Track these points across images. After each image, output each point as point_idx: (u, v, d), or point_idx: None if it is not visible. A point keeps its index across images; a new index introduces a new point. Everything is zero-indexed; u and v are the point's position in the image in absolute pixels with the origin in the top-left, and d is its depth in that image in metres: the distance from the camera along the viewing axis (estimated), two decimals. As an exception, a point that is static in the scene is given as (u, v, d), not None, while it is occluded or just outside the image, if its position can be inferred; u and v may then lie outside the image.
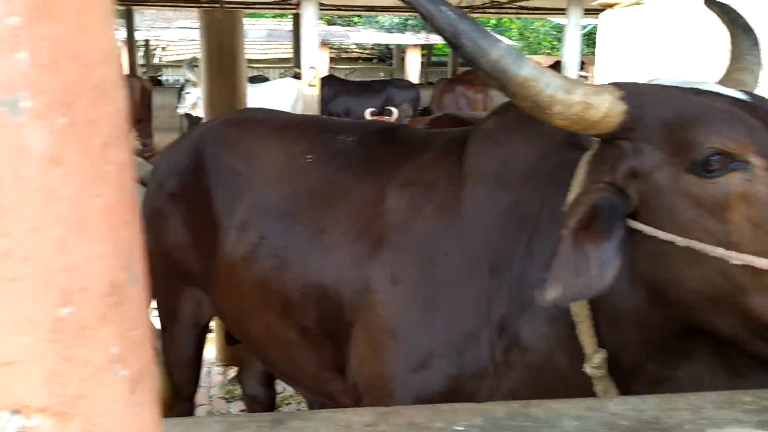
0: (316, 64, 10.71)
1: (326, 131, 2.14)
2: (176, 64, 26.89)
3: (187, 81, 12.56)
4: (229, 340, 2.68)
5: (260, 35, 23.38)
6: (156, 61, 27.26)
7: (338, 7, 13.57)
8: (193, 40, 24.96)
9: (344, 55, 28.44)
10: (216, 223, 2.11)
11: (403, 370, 1.55)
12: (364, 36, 23.47)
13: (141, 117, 11.00)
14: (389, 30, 24.67)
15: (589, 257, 1.15)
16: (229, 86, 3.76)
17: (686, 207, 1.14)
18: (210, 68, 3.73)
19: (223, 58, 3.69)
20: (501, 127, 1.63)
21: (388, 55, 28.66)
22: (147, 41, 23.58)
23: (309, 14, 10.54)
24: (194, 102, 10.23)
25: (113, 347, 0.43)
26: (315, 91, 10.73)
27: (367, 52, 29.63)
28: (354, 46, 28.89)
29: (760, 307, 1.10)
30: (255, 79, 11.60)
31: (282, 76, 23.11)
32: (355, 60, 29.06)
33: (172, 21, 28.24)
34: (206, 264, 2.19)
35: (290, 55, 27.93)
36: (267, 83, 11.23)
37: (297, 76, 14.36)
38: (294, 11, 16.58)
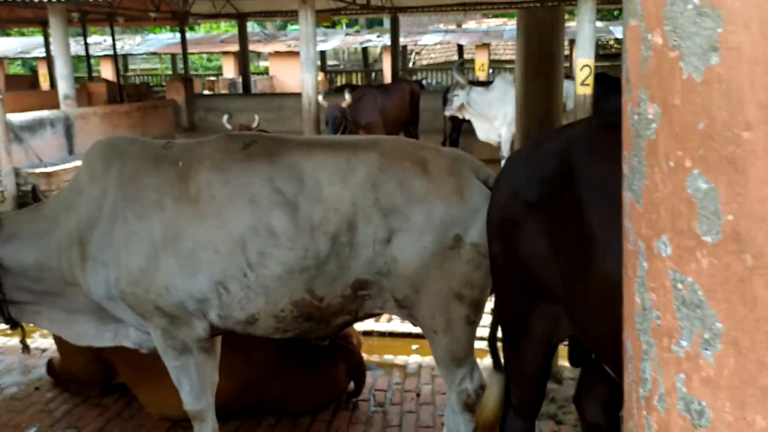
0: (591, 62, 10.10)
1: None
2: (428, 68, 27.84)
3: (455, 84, 12.71)
4: (575, 361, 2.42)
5: (512, 35, 22.95)
6: (410, 65, 28.31)
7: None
8: (448, 43, 25.59)
9: (601, 52, 26.98)
10: (590, 238, 1.88)
11: None
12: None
13: (410, 119, 11.36)
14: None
15: None
16: (546, 89, 3.48)
17: None
18: (526, 70, 3.50)
19: (541, 60, 3.42)
20: None
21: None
22: (405, 46, 24.64)
23: (586, 9, 9.95)
24: (461, 104, 10.24)
25: None
26: (588, 91, 10.13)
27: (625, 47, 27.67)
28: (613, 42, 27.20)
29: None
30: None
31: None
32: (615, 56, 27.36)
33: (426, 26, 29.33)
34: (572, 280, 1.99)
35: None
36: (533, 83, 10.82)
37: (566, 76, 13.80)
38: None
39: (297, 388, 3.52)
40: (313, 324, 2.69)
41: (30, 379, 4.24)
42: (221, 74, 25.38)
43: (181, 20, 17.79)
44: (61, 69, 11.20)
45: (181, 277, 2.59)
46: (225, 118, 11.49)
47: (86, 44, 15.96)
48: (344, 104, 9.99)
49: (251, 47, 25.91)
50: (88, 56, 16.75)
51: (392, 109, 10.90)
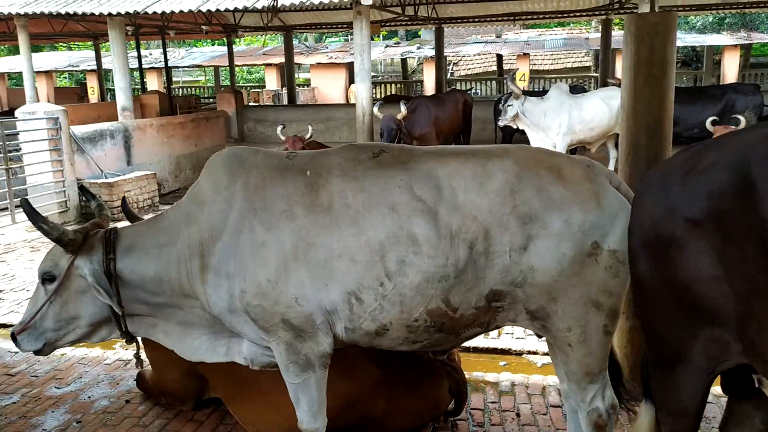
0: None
1: None
2: (466, 78, 27.71)
3: (509, 94, 12.58)
4: (729, 388, 2.28)
5: (556, 44, 22.76)
6: (448, 76, 28.23)
7: (673, 8, 12.51)
8: (488, 54, 25.44)
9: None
10: None
11: None
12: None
13: (462, 129, 11.26)
14: (701, 30, 22.30)
15: None
16: (657, 97, 3.34)
17: None
18: (635, 77, 3.38)
19: (652, 66, 3.29)
20: None
21: (693, 58, 26.05)
22: (444, 57, 24.58)
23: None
24: (515, 114, 10.10)
25: None
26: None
27: (678, 55, 27.23)
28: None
29: None
30: (573, 90, 11.11)
31: (574, 84, 22.38)
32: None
33: (464, 37, 29.27)
34: (749, 303, 1.86)
35: (587, 63, 26.94)
36: (591, 93, 10.68)
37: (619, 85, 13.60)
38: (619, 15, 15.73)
39: (400, 407, 3.43)
40: (443, 335, 2.63)
41: (119, 391, 4.22)
42: (264, 86, 25.60)
43: (228, 33, 17.99)
44: (119, 81, 11.37)
45: (312, 288, 2.54)
46: (279, 128, 11.56)
47: (140, 57, 16.22)
48: (399, 116, 9.95)
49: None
50: (141, 69, 17.02)
51: (445, 119, 10.83)
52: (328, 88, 24.07)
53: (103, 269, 2.79)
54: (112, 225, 3.07)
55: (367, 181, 2.59)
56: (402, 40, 27.91)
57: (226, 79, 31.19)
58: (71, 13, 10.90)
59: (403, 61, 27.62)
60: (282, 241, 2.56)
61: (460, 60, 28.93)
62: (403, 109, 9.93)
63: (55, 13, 10.93)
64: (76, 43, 27.93)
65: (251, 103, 19.76)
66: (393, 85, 27.62)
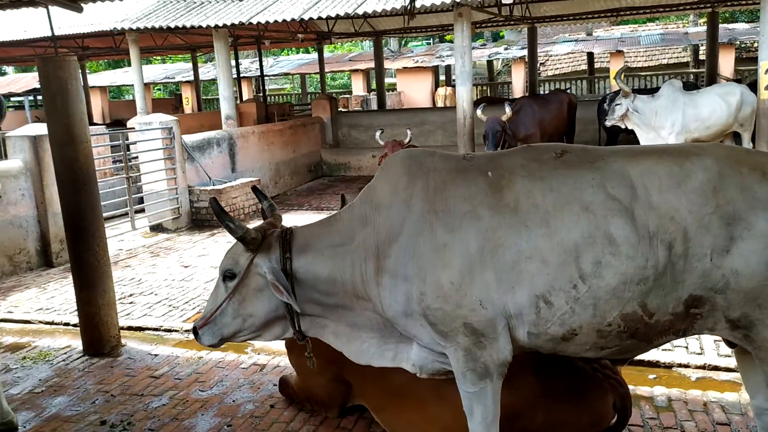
0: (778, 64, 9.27)
1: None
2: (555, 78, 27.04)
3: (615, 92, 12.14)
4: None
5: (653, 40, 21.86)
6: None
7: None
8: (581, 52, 24.76)
9: (745, 55, 25.14)
10: None
11: None
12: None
13: (567, 130, 10.94)
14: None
15: None
16: None
17: None
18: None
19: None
20: None
21: (802, 51, 24.39)
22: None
23: (771, 7, 9.14)
24: (624, 113, 9.69)
25: None
26: (774, 95, 9.29)
27: (774, 49, 25.67)
28: (756, 44, 25.27)
29: None
30: (685, 87, 10.56)
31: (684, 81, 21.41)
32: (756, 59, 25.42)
33: (551, 36, 28.61)
34: None
35: (684, 60, 25.75)
36: (706, 89, 10.13)
37: (739, 81, 12.87)
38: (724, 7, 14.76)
39: (560, 420, 3.27)
40: (635, 342, 2.48)
41: (262, 395, 4.26)
42: (350, 91, 25.86)
43: (319, 41, 18.26)
44: (224, 90, 11.70)
45: (498, 291, 2.45)
46: (378, 134, 11.55)
47: (237, 67, 16.68)
48: (504, 117, 9.75)
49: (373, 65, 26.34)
50: (239, 78, 17.50)
51: (551, 120, 10.54)
52: (414, 92, 24.06)
53: (280, 268, 2.80)
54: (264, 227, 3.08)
55: (555, 181, 2.48)
56: (487, 41, 27.56)
57: (311, 86, 31.80)
58: (180, 26, 11.30)
59: (489, 63, 27.29)
60: (466, 243, 2.48)
61: (548, 60, 28.28)
62: (508, 110, 9.73)
63: (165, 27, 11.37)
64: (169, 56, 29.13)
65: (341, 109, 19.97)
66: (479, 87, 27.37)
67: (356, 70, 25.20)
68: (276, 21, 11.02)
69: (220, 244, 8.85)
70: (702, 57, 25.32)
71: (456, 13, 10.35)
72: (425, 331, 2.66)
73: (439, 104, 22.14)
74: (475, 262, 2.47)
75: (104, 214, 5.34)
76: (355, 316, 2.88)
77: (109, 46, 17.00)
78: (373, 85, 28.93)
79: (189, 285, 6.94)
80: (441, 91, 22.82)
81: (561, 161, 2.55)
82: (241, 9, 11.62)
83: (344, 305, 2.86)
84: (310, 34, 16.14)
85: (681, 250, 2.32)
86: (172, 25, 11.32)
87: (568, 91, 20.50)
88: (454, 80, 29.55)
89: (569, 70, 28.68)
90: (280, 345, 5.20)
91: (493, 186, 2.54)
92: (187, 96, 24.45)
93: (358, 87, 25.41)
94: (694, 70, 24.44)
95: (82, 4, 5.33)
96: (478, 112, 10.05)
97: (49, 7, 4.97)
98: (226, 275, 2.90)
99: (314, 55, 29.56)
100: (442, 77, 26.82)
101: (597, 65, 26.13)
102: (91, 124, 16.83)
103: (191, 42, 17.98)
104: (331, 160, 14.42)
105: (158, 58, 31.07)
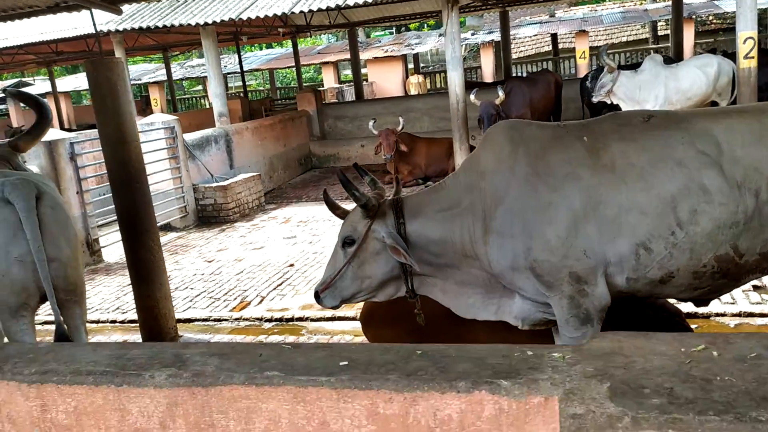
0: (754, 34, 9.81)
1: None
2: (521, 61, 27.59)
3: (596, 70, 12.60)
4: None
5: (614, 19, 22.51)
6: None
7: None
8: (542, 34, 25.32)
9: (701, 29, 26.08)
10: None
11: None
12: (733, 3, 21.02)
13: (554, 108, 11.35)
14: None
15: None
16: None
17: None
18: None
19: None
20: None
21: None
22: (498, 42, 24.55)
23: (748, -19, 9.63)
24: (609, 89, 10.10)
25: None
26: (753, 64, 9.84)
27: (727, 22, 26.68)
28: (712, 18, 26.26)
29: None
30: (666, 61, 11.05)
31: (628, 60, 22.18)
32: (714, 32, 26.42)
33: (513, 20, 29.16)
34: None
35: (644, 36, 26.56)
36: (684, 62, 10.64)
37: (713, 51, 13.44)
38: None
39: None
40: (725, 281, 2.81)
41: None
42: (321, 84, 25.94)
43: (293, 35, 18.34)
44: (215, 88, 11.78)
45: (600, 242, 2.75)
46: (371, 123, 11.81)
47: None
48: (498, 101, 10.10)
49: (344, 56, 26.47)
50: (243, 72, 17.39)
51: (540, 99, 10.93)
52: (386, 81, 24.31)
53: (395, 232, 3.07)
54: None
55: (647, 141, 2.79)
56: (453, 28, 27.88)
57: (279, 81, 31.75)
58: (169, 25, 11.33)
59: (455, 48, 27.67)
60: (570, 200, 2.77)
61: (512, 43, 28.84)
62: (501, 94, 10.08)
63: (153, 27, 11.37)
64: (136, 57, 28.71)
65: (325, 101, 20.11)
66: (444, 74, 27.73)
67: (326, 63, 25.31)
68: (267, 16, 11.13)
69: (233, 238, 9.00)
70: (661, 33, 26.20)
71: (444, 0, 10.63)
72: (530, 283, 2.95)
73: (412, 92, 22.41)
74: (578, 217, 2.77)
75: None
76: (462, 274, 3.16)
77: (83, 50, 16.79)
78: (343, 77, 29.09)
79: (221, 278, 7.11)
80: (413, 79, 23.10)
81: (649, 124, 2.86)
82: (227, 6, 11.68)
83: (452, 264, 3.14)
84: (287, 27, 16.23)
85: (766, 197, 2.65)
86: (160, 25, 11.33)
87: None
88: (423, 68, 29.96)
89: (533, 52, 29.31)
90: (334, 326, 5.45)
91: (590, 149, 2.84)
92: (155, 97, 24.21)
93: (329, 79, 25.52)
94: (653, 46, 25.26)
95: (122, 6, 5.44)
96: (471, 96, 10.37)
97: (90, 9, 5.08)
98: (346, 242, 3.16)
99: (282, 50, 29.54)
100: (411, 65, 27.10)
101: (561, 45, 26.78)
102: (62, 130, 16.63)
103: (162, 41, 17.89)
104: (320, 152, 14.60)
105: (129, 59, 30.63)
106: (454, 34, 10.79)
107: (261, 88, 30.18)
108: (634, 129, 2.86)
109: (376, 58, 24.19)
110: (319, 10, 10.94)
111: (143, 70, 27.23)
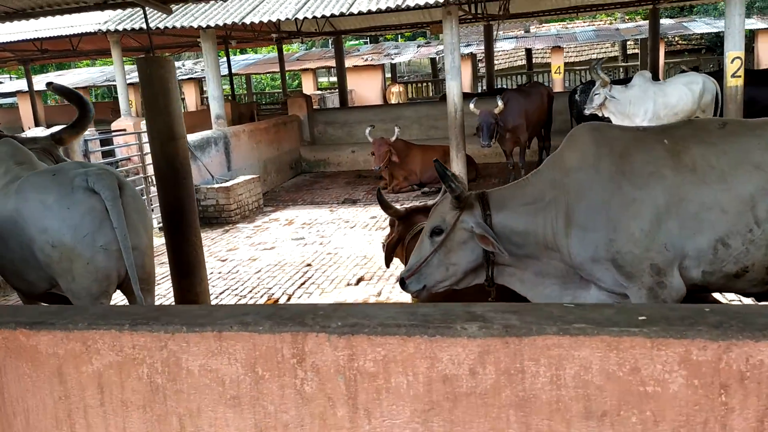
0: (741, 54, 10.37)
1: None
2: (496, 74, 28.19)
3: (584, 84, 13.04)
4: None
5: (587, 36, 23.25)
6: (478, 73, 28.59)
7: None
8: (518, 48, 25.95)
9: (668, 49, 27.09)
10: None
11: None
12: (701, 26, 22.01)
13: (546, 119, 11.75)
14: (732, 16, 22.78)
15: None
16: None
17: None
18: None
19: None
20: None
21: (717, 44, 26.56)
22: (474, 55, 25.09)
23: (735, 2, 10.19)
24: (601, 102, 10.53)
25: None
26: (739, 83, 10.39)
27: (692, 43, 27.79)
28: (678, 38, 27.31)
29: None
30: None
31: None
32: (680, 53, 27.47)
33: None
34: None
35: (613, 54, 27.43)
36: (671, 79, 11.15)
37: (695, 69, 14.03)
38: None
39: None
40: None
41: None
42: (300, 90, 26.01)
43: (279, 40, 18.46)
44: (213, 90, 11.83)
45: (681, 236, 3.02)
46: (368, 130, 12.03)
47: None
48: (496, 110, 10.43)
49: (323, 63, 26.65)
50: (231, 76, 17.33)
51: (534, 111, 11.31)
52: (365, 89, 24.54)
53: (483, 222, 3.28)
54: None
55: (725, 145, 3.07)
56: (431, 40, 28.37)
57: (254, 86, 31.71)
58: (169, 27, 11.35)
59: (432, 60, 28.13)
60: (654, 197, 3.03)
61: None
62: (500, 104, 10.41)
63: (154, 29, 11.38)
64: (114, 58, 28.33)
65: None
66: (422, 84, 28.19)
67: (306, 70, 25.44)
68: (270, 21, 11.27)
69: (239, 239, 9.08)
70: (630, 51, 27.12)
71: (444, 11, 10.94)
72: (609, 275, 3.20)
73: (393, 101, 22.70)
74: (662, 213, 3.03)
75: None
76: (542, 265, 3.39)
77: (66, 49, 16.58)
78: (321, 84, 29.24)
79: (240, 276, 7.21)
80: (394, 89, 23.40)
81: (726, 131, 3.15)
82: (227, 9, 11.76)
83: (533, 255, 3.36)
84: (279, 33, 16.35)
85: None
86: (161, 26, 11.35)
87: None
88: (400, 77, 30.33)
89: (506, 66, 29.98)
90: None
91: (671, 151, 3.12)
92: (131, 99, 23.94)
93: (308, 86, 25.65)
94: (623, 64, 26.16)
95: (172, 6, 5.54)
96: (471, 105, 10.68)
97: (143, 7, 5.17)
98: (434, 231, 3.36)
99: (259, 56, 29.54)
100: (388, 74, 27.43)
101: (534, 61, 27.47)
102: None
103: (144, 43, 17.77)
104: (310, 156, 14.72)
105: (98, 60, 30.18)
106: (453, 45, 11.10)
107: (238, 93, 30.08)
108: (712, 134, 3.15)
109: (356, 66, 24.41)
110: (323, 17, 11.12)
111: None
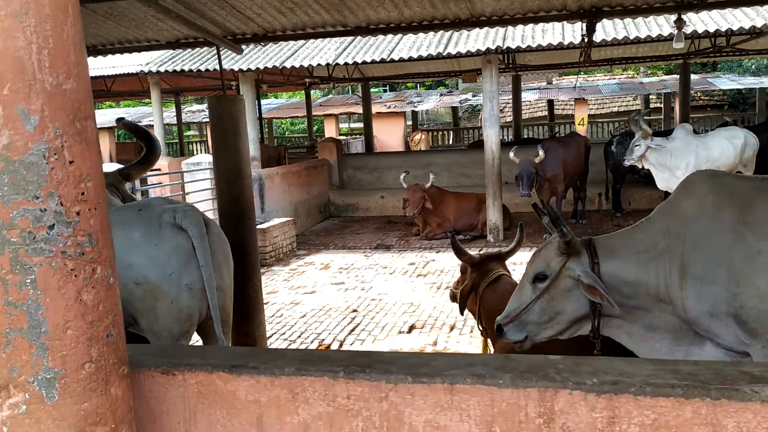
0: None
1: None
2: (528, 123, 28.38)
3: (620, 134, 13.00)
4: None
5: (611, 89, 23.41)
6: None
7: None
8: (541, 99, 26.16)
9: (690, 104, 27.24)
10: None
11: None
12: (726, 82, 22.13)
13: (583, 169, 11.67)
14: (755, 73, 22.99)
15: None
16: None
17: None
18: None
19: None
20: None
21: (740, 101, 26.70)
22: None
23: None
24: (642, 153, 10.43)
25: None
26: (786, 138, 10.29)
27: (714, 99, 27.94)
28: (700, 94, 27.48)
29: None
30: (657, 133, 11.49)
31: (624, 129, 23.01)
32: (702, 108, 27.59)
33: (507, 85, 30.12)
34: None
35: (635, 107, 27.59)
36: (713, 133, 11.10)
37: (729, 123, 13.99)
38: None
39: None
40: None
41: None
42: (322, 135, 26.20)
43: (307, 85, 18.64)
44: (250, 132, 11.82)
45: None
46: (402, 176, 11.98)
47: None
48: (537, 159, 10.35)
49: (346, 109, 26.92)
50: (261, 119, 17.44)
51: (572, 161, 11.23)
52: (387, 136, 24.69)
53: (591, 271, 3.10)
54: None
55: None
56: (452, 88, 28.68)
57: (274, 130, 31.99)
58: (209, 69, 11.45)
59: (454, 109, 28.36)
60: None
61: (506, 107, 29.70)
62: (541, 153, 10.34)
63: (195, 70, 11.48)
64: (137, 99, 28.73)
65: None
66: (442, 132, 28.37)
67: (329, 115, 25.67)
68: (302, 66, 11.35)
69: (277, 282, 8.93)
70: (653, 105, 27.26)
71: (485, 60, 11.00)
72: (730, 331, 3.00)
73: (415, 148, 22.79)
74: None
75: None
76: (652, 318, 3.19)
77: (102, 89, 16.77)
78: (342, 130, 29.49)
79: (285, 320, 7.02)
80: (417, 136, 23.53)
81: None
82: (267, 54, 11.87)
83: (643, 307, 3.17)
84: (308, 78, 16.51)
85: None
86: (203, 68, 11.45)
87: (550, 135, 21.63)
88: (421, 125, 30.57)
89: (527, 117, 30.18)
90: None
91: None
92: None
93: (330, 131, 25.84)
94: (646, 118, 26.23)
95: (243, 46, 5.53)
96: (511, 154, 10.61)
97: (218, 46, 5.15)
98: (538, 277, 3.17)
99: (281, 101, 29.88)
100: (409, 122, 27.64)
101: (556, 112, 27.66)
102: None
103: (176, 86, 17.98)
104: (339, 201, 14.65)
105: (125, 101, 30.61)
106: (492, 93, 11.13)
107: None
108: None
109: (379, 113, 24.60)
110: (364, 62, 11.20)
111: (142, 113, 27.20)
